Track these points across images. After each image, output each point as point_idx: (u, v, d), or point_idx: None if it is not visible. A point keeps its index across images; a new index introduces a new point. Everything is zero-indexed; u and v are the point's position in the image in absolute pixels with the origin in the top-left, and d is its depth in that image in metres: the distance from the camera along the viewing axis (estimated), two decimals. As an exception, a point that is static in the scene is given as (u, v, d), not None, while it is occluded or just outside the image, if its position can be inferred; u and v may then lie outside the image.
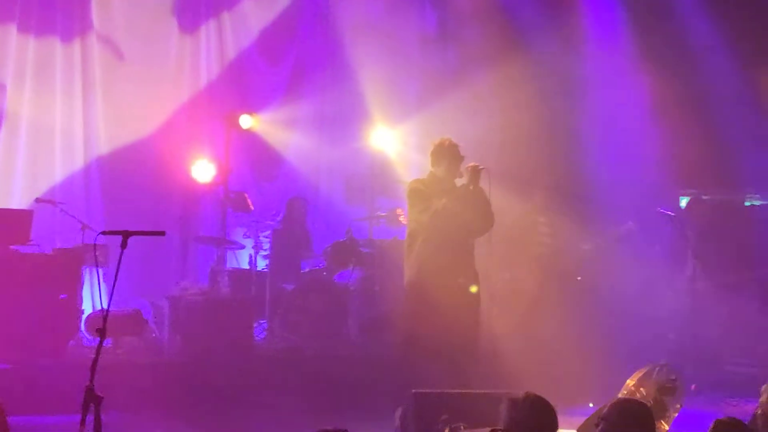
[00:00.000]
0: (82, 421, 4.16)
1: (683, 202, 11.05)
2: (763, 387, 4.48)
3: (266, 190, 11.75)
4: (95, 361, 4.23)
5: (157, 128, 10.84)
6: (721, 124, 10.80)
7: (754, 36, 10.74)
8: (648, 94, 10.87)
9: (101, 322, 4.39)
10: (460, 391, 6.30)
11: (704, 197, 10.73)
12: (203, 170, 10.37)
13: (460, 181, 7.46)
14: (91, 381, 4.18)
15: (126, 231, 4.49)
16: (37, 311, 8.41)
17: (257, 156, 11.64)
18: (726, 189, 11.24)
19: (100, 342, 4.36)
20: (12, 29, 10.34)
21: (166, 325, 9.36)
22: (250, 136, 11.15)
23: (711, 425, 4.20)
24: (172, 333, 9.20)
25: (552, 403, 4.34)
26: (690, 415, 7.30)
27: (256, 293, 9.91)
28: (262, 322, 9.94)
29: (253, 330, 9.46)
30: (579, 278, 9.76)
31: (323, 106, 11.99)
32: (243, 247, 10.59)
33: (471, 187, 7.38)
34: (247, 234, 10.60)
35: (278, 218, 10.81)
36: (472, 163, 7.41)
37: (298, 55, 11.96)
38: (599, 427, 4.24)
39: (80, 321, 8.98)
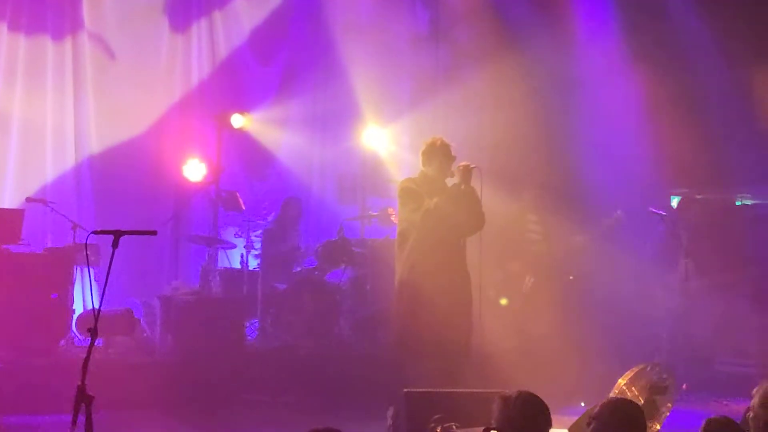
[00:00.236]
0: (74, 421, 4.15)
1: (674, 201, 11.08)
2: (755, 390, 4.49)
3: (258, 190, 11.73)
4: (86, 360, 4.22)
5: (148, 127, 10.82)
6: (713, 123, 10.83)
7: (746, 35, 10.75)
8: (639, 93, 10.89)
9: (92, 322, 4.38)
10: (452, 390, 6.30)
11: (697, 196, 10.75)
12: (195, 169, 10.37)
13: (451, 181, 7.46)
14: (83, 380, 4.17)
15: (118, 230, 4.48)
16: (29, 311, 8.39)
17: (249, 155, 11.62)
18: (717, 188, 11.26)
19: (92, 341, 4.35)
20: (3, 28, 10.30)
21: (158, 324, 9.34)
22: (241, 135, 11.15)
23: (703, 424, 4.21)
24: (164, 332, 9.18)
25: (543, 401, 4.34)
26: (681, 415, 7.33)
27: (247, 293, 9.90)
28: (253, 321, 9.93)
29: (244, 329, 9.46)
30: (571, 277, 9.78)
31: (315, 105, 11.98)
32: (234, 246, 10.58)
33: (462, 187, 7.37)
34: (239, 233, 10.59)
35: (271, 218, 10.80)
36: (463, 163, 7.40)
37: (290, 55, 11.95)
38: (591, 427, 4.24)
39: (71, 320, 8.96)
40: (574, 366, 8.64)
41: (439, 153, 7.42)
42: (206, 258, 10.32)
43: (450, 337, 7.22)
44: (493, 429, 4.30)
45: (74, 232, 9.16)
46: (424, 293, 7.20)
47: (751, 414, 4.33)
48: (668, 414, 6.67)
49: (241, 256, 10.29)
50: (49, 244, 9.51)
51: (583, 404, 7.85)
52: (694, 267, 9.86)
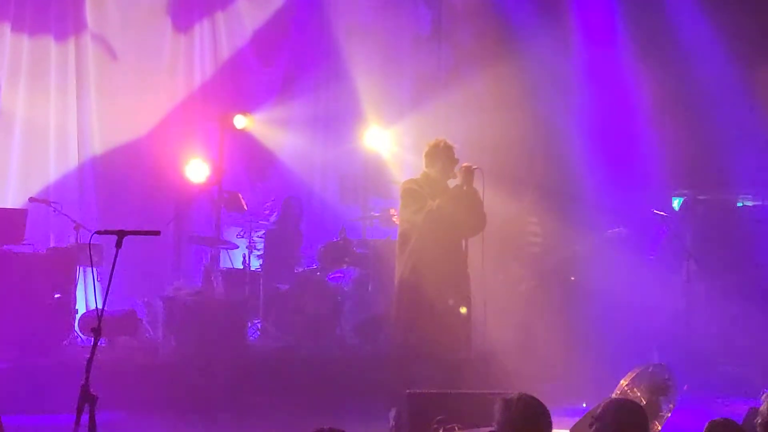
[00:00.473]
0: (77, 421, 4.17)
1: (676, 202, 11.08)
2: (764, 396, 4.48)
3: (260, 190, 11.74)
4: (90, 360, 4.23)
5: (151, 128, 10.84)
6: (714, 125, 10.83)
7: (748, 36, 10.76)
8: (641, 95, 10.90)
9: (96, 322, 4.40)
10: (454, 391, 6.31)
11: (699, 198, 10.76)
12: (197, 170, 10.37)
13: (453, 182, 7.47)
14: (86, 380, 4.18)
15: (121, 231, 4.49)
16: (32, 311, 8.41)
17: (251, 156, 11.63)
18: (719, 189, 11.26)
19: (95, 342, 4.36)
20: (6, 28, 10.32)
21: (160, 325, 9.36)
22: (244, 136, 11.16)
23: (706, 426, 4.22)
24: (167, 333, 9.19)
25: (545, 403, 4.35)
26: (683, 415, 7.33)
27: (249, 293, 9.91)
28: (255, 322, 9.94)
29: (246, 330, 9.46)
30: (572, 278, 9.78)
31: (317, 106, 11.99)
32: (237, 247, 10.59)
33: (464, 188, 7.38)
34: (241, 234, 10.60)
35: (273, 218, 10.81)
36: (465, 164, 7.41)
37: (292, 56, 11.96)
38: (593, 428, 4.25)
39: (74, 321, 8.98)
40: (576, 367, 8.65)
41: (442, 155, 7.43)
42: (208, 258, 10.33)
43: (450, 339, 7.23)
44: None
45: (77, 232, 9.18)
46: (424, 294, 7.21)
47: (759, 420, 4.32)
48: (670, 415, 6.68)
49: (244, 256, 10.30)
50: (52, 245, 9.54)
51: (585, 405, 7.85)
52: (696, 268, 9.86)
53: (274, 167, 11.85)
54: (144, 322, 9.54)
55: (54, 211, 9.56)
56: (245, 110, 10.86)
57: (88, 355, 4.26)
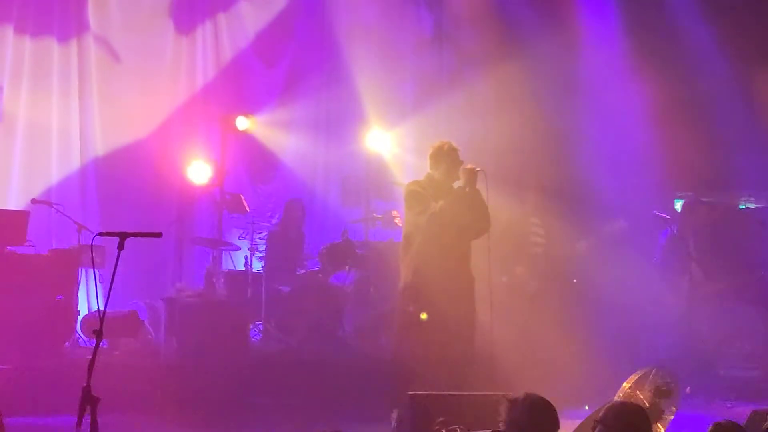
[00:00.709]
0: (79, 422, 4.16)
1: (678, 204, 11.07)
2: None
3: (262, 192, 11.74)
4: (92, 362, 4.22)
5: (153, 129, 10.84)
6: (717, 127, 10.82)
7: (750, 39, 10.76)
8: (644, 96, 10.89)
9: (97, 324, 4.39)
10: (456, 393, 6.30)
11: (701, 200, 10.75)
12: (199, 172, 10.37)
13: (456, 183, 7.47)
14: (88, 382, 4.17)
15: (123, 232, 4.48)
16: (34, 312, 8.40)
17: (253, 158, 11.63)
18: (721, 191, 11.26)
19: (97, 343, 4.35)
20: (9, 30, 10.33)
21: (162, 326, 9.35)
22: (246, 137, 11.17)
23: (709, 429, 4.21)
24: (168, 334, 9.19)
25: (548, 405, 4.35)
26: (686, 418, 7.32)
27: (251, 295, 9.90)
28: (257, 323, 9.93)
29: (248, 332, 9.46)
30: (575, 280, 9.77)
31: (319, 108, 11.99)
32: (239, 248, 10.59)
33: (467, 189, 7.38)
34: (243, 236, 10.60)
35: (275, 220, 10.81)
36: (468, 165, 7.42)
37: (294, 57, 11.96)
38: (595, 430, 4.24)
39: (76, 322, 8.98)
40: (578, 369, 8.63)
41: (446, 157, 7.43)
42: (210, 260, 10.33)
43: (453, 341, 7.23)
44: (501, 432, 4.30)
45: (79, 233, 9.18)
46: (428, 296, 7.21)
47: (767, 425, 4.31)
48: (673, 417, 6.67)
49: (245, 258, 10.30)
50: (54, 246, 9.53)
51: (587, 408, 7.83)
52: (699, 270, 9.85)
53: (276, 169, 11.85)
54: (146, 323, 9.53)
55: (56, 213, 9.56)
56: (247, 112, 10.86)
57: (90, 357, 4.25)
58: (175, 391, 8.26)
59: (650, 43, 11.06)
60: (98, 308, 9.25)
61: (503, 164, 9.39)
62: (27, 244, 8.90)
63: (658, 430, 6.34)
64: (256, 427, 8.03)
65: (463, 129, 10.30)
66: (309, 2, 11.99)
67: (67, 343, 8.79)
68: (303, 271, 10.50)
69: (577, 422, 6.18)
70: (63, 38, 10.65)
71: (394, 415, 6.89)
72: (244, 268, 10.27)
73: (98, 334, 4.36)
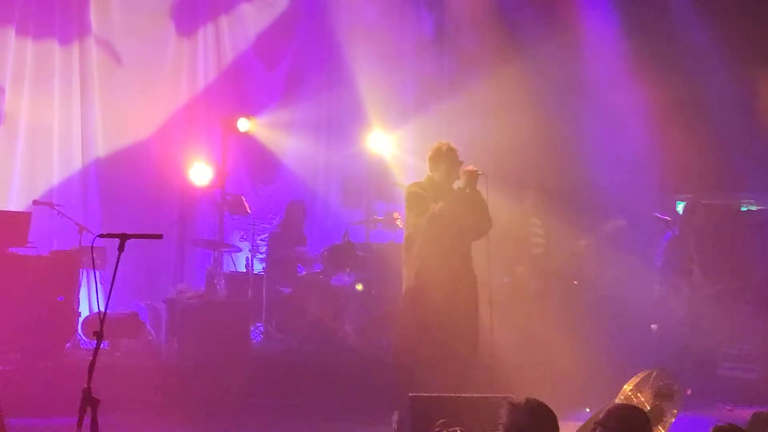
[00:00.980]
0: (79, 424, 4.16)
1: (679, 206, 11.06)
2: None
3: (263, 194, 11.76)
4: (92, 363, 4.22)
5: (154, 131, 10.86)
6: (718, 129, 10.82)
7: (751, 41, 10.76)
8: (645, 98, 10.89)
9: (98, 325, 4.39)
10: (457, 395, 6.30)
11: (704, 201, 10.74)
12: (200, 173, 10.39)
13: (457, 184, 7.47)
14: (88, 383, 4.17)
15: (124, 234, 4.48)
16: (35, 313, 8.40)
17: (254, 159, 11.65)
18: (722, 194, 11.25)
19: (97, 344, 4.35)
20: (10, 32, 10.33)
21: (163, 327, 9.36)
22: (247, 139, 11.18)
23: (710, 431, 4.20)
24: (169, 336, 9.20)
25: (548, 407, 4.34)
26: (687, 421, 7.32)
27: (252, 296, 9.91)
28: (258, 325, 9.94)
29: (249, 333, 9.46)
30: (575, 282, 9.77)
31: (320, 109, 12.00)
32: (240, 250, 10.60)
33: (467, 191, 7.39)
34: (244, 237, 10.61)
35: (276, 221, 10.82)
36: (470, 167, 7.42)
37: (295, 59, 11.98)
38: (596, 432, 4.24)
39: (77, 323, 8.98)
40: (579, 371, 8.63)
41: (445, 158, 7.43)
42: (211, 261, 10.34)
43: (456, 343, 7.23)
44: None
45: (80, 235, 9.19)
46: (430, 298, 7.21)
47: None
48: (674, 420, 6.67)
49: (247, 259, 10.31)
50: (56, 247, 9.54)
51: (588, 410, 7.83)
52: (700, 272, 9.85)
53: (277, 170, 11.87)
54: (147, 324, 9.54)
55: (57, 214, 9.56)
56: (248, 113, 10.87)
57: (91, 358, 4.26)
58: (176, 392, 8.26)
59: (650, 45, 11.06)
60: (99, 309, 9.27)
61: (504, 165, 9.40)
62: (28, 245, 8.91)
63: (659, 432, 6.35)
64: (257, 428, 8.03)
65: (463, 130, 10.32)
66: (310, 4, 12.00)
67: (68, 345, 8.79)
68: (304, 273, 10.51)
69: (578, 424, 6.18)
70: (64, 40, 10.66)
71: (395, 416, 6.90)
72: (245, 270, 10.28)
73: (99, 336, 4.36)
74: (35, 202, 9.60)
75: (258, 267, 10.36)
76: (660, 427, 6.42)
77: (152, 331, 9.62)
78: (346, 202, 11.80)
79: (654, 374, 6.73)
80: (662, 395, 6.51)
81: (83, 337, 8.99)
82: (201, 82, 11.47)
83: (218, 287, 9.92)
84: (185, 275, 10.78)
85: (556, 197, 9.88)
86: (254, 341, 9.72)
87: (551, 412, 4.25)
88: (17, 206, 10.00)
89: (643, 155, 10.77)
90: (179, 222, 10.78)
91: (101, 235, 4.73)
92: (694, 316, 9.75)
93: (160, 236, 4.79)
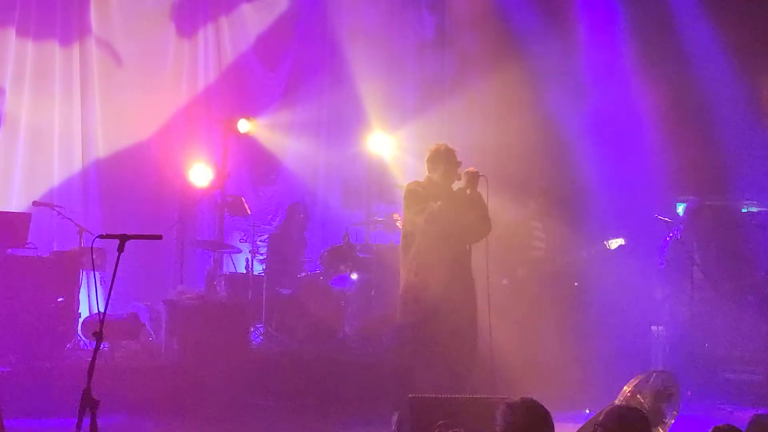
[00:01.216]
0: (79, 425, 4.16)
1: (680, 208, 11.06)
2: None
3: (263, 195, 11.77)
4: (92, 364, 4.23)
5: (154, 132, 10.86)
6: (719, 131, 10.82)
7: (753, 43, 10.76)
8: (646, 100, 10.89)
9: (98, 326, 4.39)
10: (456, 395, 6.30)
11: (704, 203, 10.74)
12: (201, 174, 10.39)
13: (458, 184, 7.47)
14: (88, 384, 4.18)
15: (123, 235, 4.49)
16: (35, 314, 8.41)
17: (255, 160, 11.65)
18: (723, 195, 11.25)
19: (97, 345, 4.36)
20: (11, 33, 10.35)
21: (163, 328, 9.36)
22: (247, 140, 11.18)
23: (708, 433, 4.21)
24: (169, 337, 9.19)
25: (549, 408, 4.34)
26: (686, 422, 7.32)
27: (252, 297, 9.91)
28: (258, 326, 9.93)
29: (249, 334, 9.46)
30: (576, 284, 9.77)
31: (321, 110, 12.00)
32: (240, 251, 10.60)
33: (468, 191, 7.38)
34: (244, 238, 10.61)
35: (276, 222, 10.81)
36: (470, 168, 7.41)
37: (296, 60, 11.98)
38: (595, 433, 4.24)
39: (77, 324, 8.98)
40: (578, 372, 8.63)
41: (443, 158, 7.43)
42: (211, 262, 10.34)
43: (454, 343, 7.22)
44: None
45: (80, 236, 9.19)
46: (427, 297, 7.20)
47: None
48: (673, 421, 6.67)
49: (246, 260, 10.31)
50: (56, 248, 9.54)
51: (587, 411, 7.84)
52: (701, 273, 9.85)
53: (277, 172, 11.87)
54: (146, 325, 9.53)
55: (58, 215, 9.57)
56: (249, 115, 10.87)
57: (91, 359, 4.26)
58: (176, 393, 8.25)
59: (653, 47, 11.05)
60: (99, 310, 9.26)
61: (504, 167, 9.39)
62: (28, 246, 8.91)
63: (659, 433, 6.35)
64: (257, 429, 8.02)
65: (464, 131, 10.32)
66: (310, 5, 12.00)
67: (68, 345, 8.79)
68: (304, 274, 10.51)
69: (578, 425, 6.17)
70: (65, 41, 10.66)
71: (395, 417, 6.89)
72: (245, 271, 10.28)
73: (99, 336, 4.36)
74: (35, 203, 9.60)
75: (258, 268, 10.36)
76: (659, 429, 6.42)
77: (152, 332, 9.62)
78: (347, 204, 11.80)
79: (654, 375, 6.73)
80: (662, 396, 6.51)
81: (83, 338, 8.99)
82: (201, 83, 11.47)
83: (218, 288, 9.92)
84: (185, 276, 10.77)
85: (557, 199, 9.89)
86: (254, 342, 9.72)
87: (547, 412, 4.25)
88: (17, 207, 10.00)
89: (645, 157, 10.77)
90: (179, 223, 10.77)
91: (101, 236, 4.73)
92: (695, 317, 9.75)
93: (159, 237, 4.79)
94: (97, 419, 4.15)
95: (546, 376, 8.21)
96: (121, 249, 4.47)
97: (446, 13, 12.07)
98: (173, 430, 7.76)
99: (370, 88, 11.43)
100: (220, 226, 10.44)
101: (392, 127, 11.41)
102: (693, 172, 10.80)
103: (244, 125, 10.67)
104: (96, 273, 8.77)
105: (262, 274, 10.27)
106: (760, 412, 6.72)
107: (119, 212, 10.51)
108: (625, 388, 6.57)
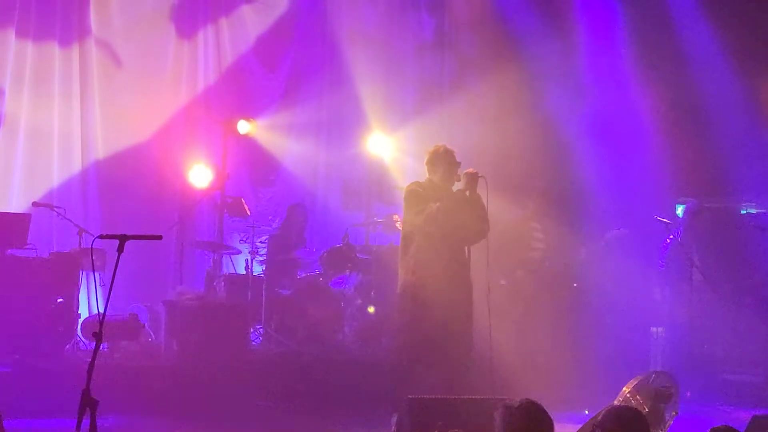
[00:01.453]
0: (78, 425, 4.16)
1: (679, 209, 11.07)
2: None
3: (263, 196, 11.77)
4: (91, 365, 4.23)
5: (154, 133, 10.85)
6: (717, 132, 10.82)
7: (752, 45, 10.77)
8: (645, 102, 10.90)
9: (98, 326, 4.39)
10: (455, 397, 6.31)
11: (703, 205, 10.75)
12: (200, 175, 10.39)
13: (457, 185, 7.48)
14: (88, 385, 4.18)
15: (123, 235, 4.49)
16: (34, 315, 8.41)
17: (254, 161, 11.65)
18: (722, 197, 11.26)
19: (97, 346, 4.36)
20: (10, 34, 10.34)
21: (163, 329, 9.36)
22: (247, 141, 11.18)
23: (707, 433, 4.21)
24: (169, 337, 9.20)
25: (548, 409, 4.35)
26: (685, 423, 7.32)
27: (252, 298, 9.91)
28: (258, 327, 9.94)
29: (249, 335, 9.47)
30: (575, 285, 9.78)
31: (320, 112, 12.00)
32: (239, 252, 10.60)
33: (467, 193, 7.39)
34: (244, 239, 10.62)
35: (276, 224, 10.81)
36: (469, 169, 7.42)
37: (296, 61, 11.98)
38: (594, 434, 4.24)
39: (77, 325, 8.98)
40: (578, 373, 8.64)
41: (443, 159, 7.44)
42: (211, 263, 10.35)
43: (451, 343, 7.23)
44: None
45: (80, 236, 9.19)
46: (425, 297, 7.21)
47: None
48: (672, 422, 6.68)
49: (246, 261, 10.31)
50: (55, 249, 9.53)
51: (587, 412, 7.84)
52: (700, 275, 9.85)
53: (277, 173, 11.88)
54: (146, 326, 9.54)
55: (57, 216, 9.57)
56: (248, 116, 10.87)
57: (90, 360, 4.26)
58: (175, 393, 8.26)
59: (652, 48, 11.06)
60: (98, 311, 9.27)
61: (504, 169, 9.40)
62: (28, 246, 8.91)
63: (658, 434, 6.35)
64: (256, 430, 8.03)
65: (463, 133, 10.33)
66: (310, 6, 12.01)
67: (67, 346, 8.79)
68: (304, 275, 10.51)
69: (577, 426, 6.17)
70: (65, 42, 10.66)
71: (394, 419, 6.89)
72: (244, 272, 10.28)
73: (98, 337, 4.36)
74: (35, 204, 9.59)
75: (257, 269, 10.36)
76: (658, 430, 6.42)
77: (151, 333, 9.62)
78: (346, 205, 11.80)
79: (653, 376, 6.74)
80: (661, 397, 6.51)
81: (83, 339, 8.99)
82: (201, 84, 11.47)
83: (218, 289, 9.92)
84: (185, 277, 10.78)
85: (556, 201, 9.89)
86: (253, 343, 9.72)
87: (546, 414, 4.25)
88: (17, 208, 10.00)
89: (644, 158, 10.77)
90: (179, 224, 10.77)
91: (101, 237, 4.73)
92: (695, 318, 9.76)
93: (159, 237, 4.79)
94: (97, 420, 4.15)
95: (545, 376, 8.21)
96: (120, 250, 4.48)
97: (446, 15, 12.08)
98: (173, 430, 7.76)
99: (369, 89, 11.44)
100: (220, 227, 10.44)
101: (392, 128, 11.41)
102: (692, 173, 10.81)
103: (243, 126, 10.67)
104: (96, 274, 8.77)
105: (262, 275, 10.27)
106: (759, 413, 6.72)
107: (119, 213, 10.50)
108: (624, 388, 6.58)
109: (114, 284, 4.55)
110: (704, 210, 10.48)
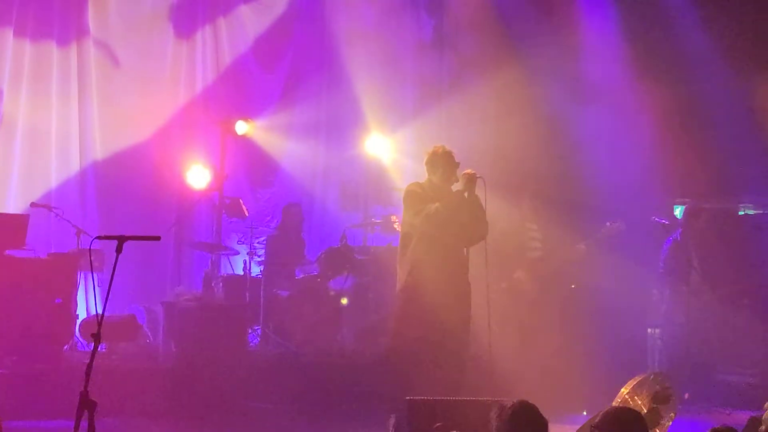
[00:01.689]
0: (76, 427, 4.16)
1: (677, 210, 11.07)
2: (767, 404, 4.48)
3: (261, 197, 11.76)
4: (89, 366, 4.22)
5: (152, 133, 10.84)
6: (716, 133, 10.82)
7: (751, 46, 10.77)
8: (643, 103, 10.88)
9: (96, 327, 4.39)
10: (453, 398, 6.30)
11: (701, 206, 10.75)
12: (198, 176, 10.39)
13: (456, 187, 7.48)
14: (85, 386, 4.17)
15: (121, 236, 4.49)
16: (32, 316, 8.40)
17: (252, 162, 11.64)
18: (720, 198, 11.26)
19: (95, 347, 4.35)
20: (8, 34, 10.33)
21: (161, 330, 9.36)
22: (245, 142, 11.17)
23: (707, 435, 4.21)
24: (167, 338, 9.19)
25: (546, 410, 4.35)
26: (684, 424, 7.32)
27: (250, 299, 9.91)
28: (256, 328, 9.94)
29: (247, 336, 9.46)
30: (573, 286, 9.77)
31: (319, 112, 11.99)
32: (237, 253, 10.60)
33: (466, 194, 7.39)
34: (242, 240, 10.61)
35: (273, 224, 10.80)
36: (468, 171, 7.42)
37: (294, 62, 11.97)
38: (593, 436, 4.24)
39: (75, 326, 8.97)
40: (576, 375, 8.63)
41: (441, 160, 7.45)
42: (209, 264, 10.34)
43: (449, 344, 7.23)
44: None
45: (78, 237, 9.19)
46: (421, 297, 7.21)
47: (763, 428, 4.31)
48: (671, 423, 6.67)
49: (244, 262, 10.30)
50: (53, 250, 9.53)
51: (585, 413, 7.84)
52: (699, 276, 9.85)
53: (275, 173, 11.86)
54: (144, 327, 9.54)
55: (55, 216, 9.56)
56: (247, 116, 10.86)
57: (88, 361, 4.25)
58: (173, 395, 8.26)
59: (651, 49, 11.05)
60: (97, 312, 9.25)
61: (503, 169, 9.40)
62: (26, 247, 8.90)
63: (656, 436, 6.34)
64: (255, 431, 8.02)
65: (462, 134, 10.32)
66: (308, 7, 12.00)
67: (65, 347, 8.79)
68: (301, 276, 10.50)
69: (575, 427, 6.18)
70: (63, 42, 10.65)
71: (392, 420, 6.89)
72: (242, 273, 10.27)
73: (96, 338, 4.36)
74: (33, 205, 9.58)
75: (255, 270, 10.35)
76: (657, 431, 6.42)
77: (149, 334, 9.62)
78: (344, 206, 11.79)
79: (651, 377, 6.73)
80: (659, 399, 6.51)
81: (81, 340, 9.00)
82: (199, 84, 11.46)
83: (216, 290, 9.91)
84: (183, 278, 10.77)
85: (553, 202, 9.88)
86: (251, 344, 9.72)
87: (538, 414, 4.25)
88: (15, 208, 9.99)
89: (642, 159, 10.77)
90: (177, 224, 10.77)
91: (99, 237, 4.72)
92: (693, 319, 9.76)
93: (157, 238, 4.79)
94: (95, 421, 4.14)
95: (543, 378, 8.22)
96: (119, 250, 4.47)
97: (444, 15, 12.06)
98: (170, 431, 7.76)
99: (368, 89, 11.42)
100: (218, 228, 10.43)
101: (390, 129, 11.41)
102: (690, 174, 10.81)
103: (242, 127, 10.65)
104: (94, 274, 8.67)
105: (260, 276, 10.26)
106: (756, 414, 6.71)
107: (117, 214, 10.50)
108: (622, 390, 6.57)
109: (112, 285, 4.55)
110: (702, 211, 10.48)
